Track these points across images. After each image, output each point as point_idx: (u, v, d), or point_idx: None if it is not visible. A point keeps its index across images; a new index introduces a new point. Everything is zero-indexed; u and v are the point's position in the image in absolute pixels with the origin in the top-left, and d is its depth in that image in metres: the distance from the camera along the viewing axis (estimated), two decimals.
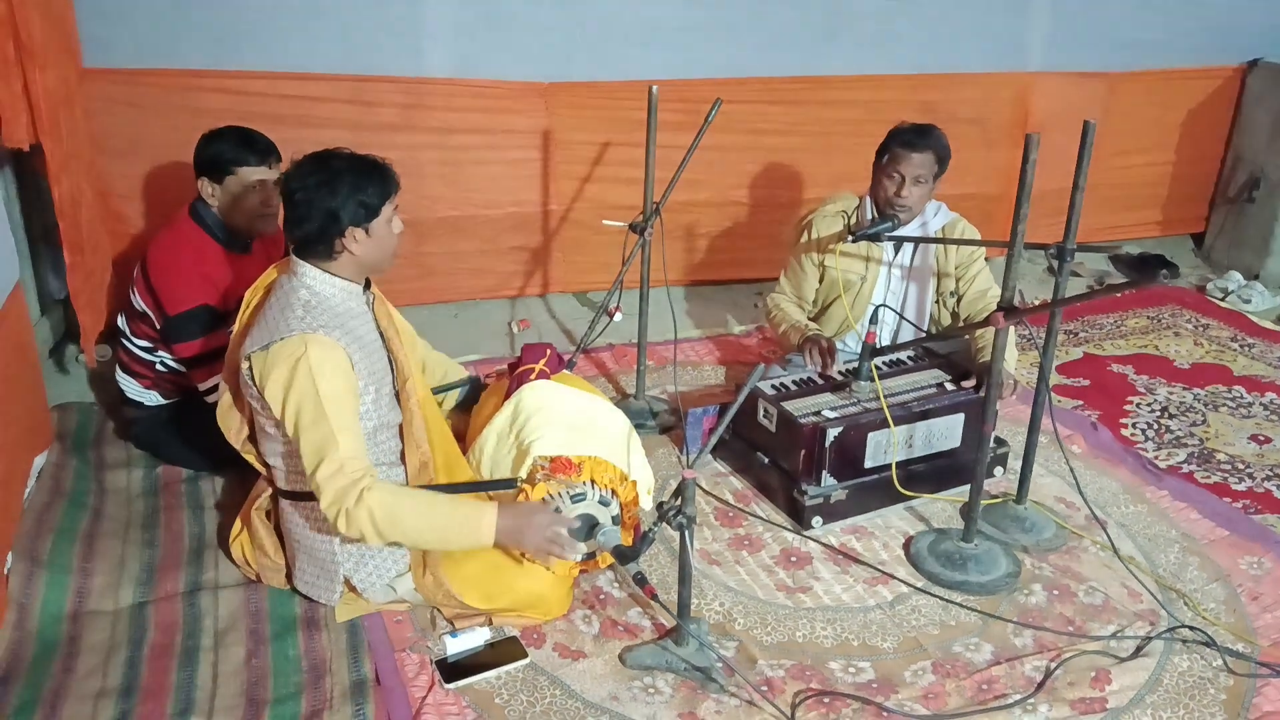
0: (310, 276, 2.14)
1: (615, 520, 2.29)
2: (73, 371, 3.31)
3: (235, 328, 2.26)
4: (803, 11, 3.97)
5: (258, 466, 2.32)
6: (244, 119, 2.78)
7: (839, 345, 3.19)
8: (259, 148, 2.67)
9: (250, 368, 2.10)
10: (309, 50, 3.44)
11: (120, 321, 2.83)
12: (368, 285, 2.25)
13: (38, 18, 2.63)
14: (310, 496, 2.08)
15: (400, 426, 2.29)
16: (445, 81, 3.63)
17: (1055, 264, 2.44)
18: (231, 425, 2.29)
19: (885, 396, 2.74)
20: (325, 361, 2.04)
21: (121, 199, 3.35)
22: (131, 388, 2.82)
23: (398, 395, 2.27)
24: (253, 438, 2.30)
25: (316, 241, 2.11)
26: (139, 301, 2.74)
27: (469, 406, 2.72)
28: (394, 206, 2.16)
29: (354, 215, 2.08)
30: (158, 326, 2.71)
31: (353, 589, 2.27)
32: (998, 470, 2.97)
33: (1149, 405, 3.50)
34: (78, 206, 2.91)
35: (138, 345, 2.77)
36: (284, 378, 2.03)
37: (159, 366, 2.79)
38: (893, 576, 2.54)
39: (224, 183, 2.65)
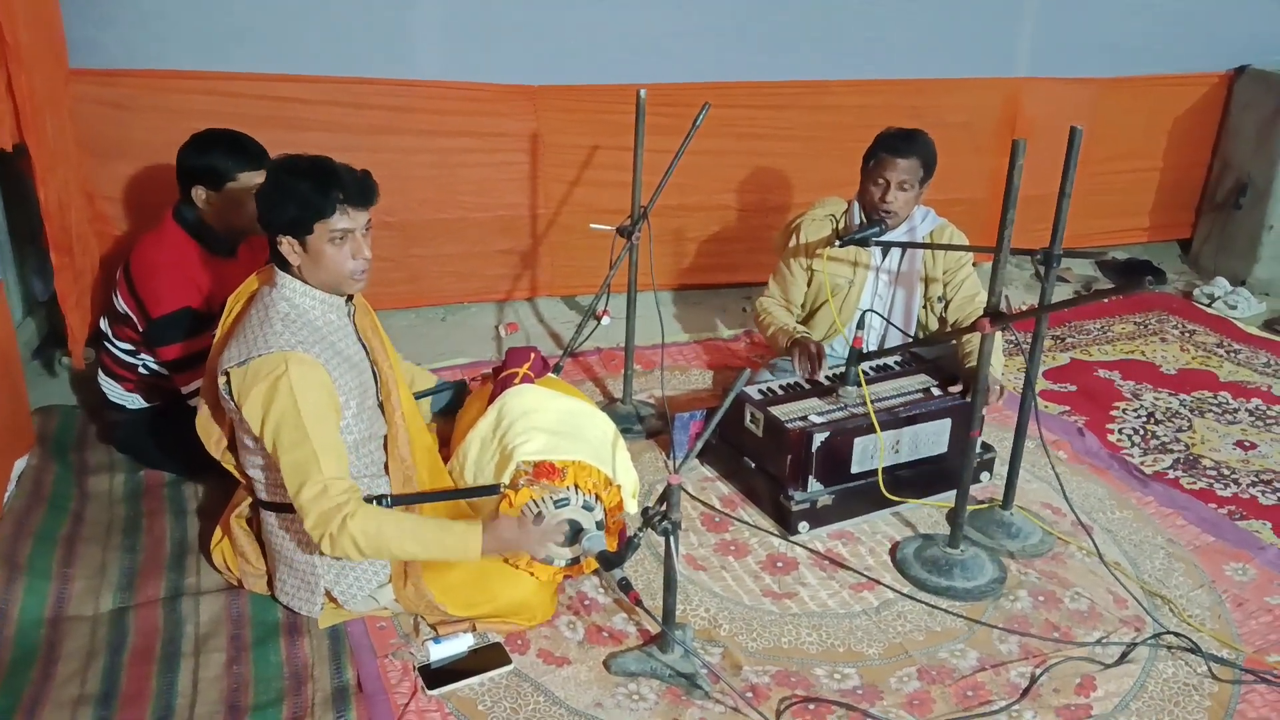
0: (289, 288, 2.11)
1: (599, 525, 2.28)
2: (56, 374, 3.28)
3: (216, 336, 2.24)
4: (791, 16, 3.98)
5: (237, 476, 2.31)
6: (231, 121, 2.77)
7: (826, 350, 3.19)
8: (254, 153, 2.65)
9: (228, 383, 2.07)
10: (296, 52, 3.43)
11: (103, 324, 2.81)
12: (350, 297, 2.22)
13: (22, 18, 2.62)
14: (289, 508, 2.06)
15: (385, 438, 2.27)
16: (433, 84, 3.62)
17: (1042, 269, 2.44)
18: (211, 435, 2.27)
19: (872, 401, 2.73)
20: (306, 380, 2.01)
21: (107, 200, 3.33)
22: (114, 391, 2.80)
23: (381, 407, 2.26)
24: (232, 448, 2.28)
25: (271, 247, 2.10)
26: (122, 304, 2.72)
27: (453, 412, 2.71)
28: (345, 230, 2.05)
29: (281, 224, 2.05)
30: (140, 329, 2.69)
31: (333, 600, 2.26)
32: (984, 476, 2.97)
33: (1135, 411, 3.51)
34: (65, 208, 2.90)
35: (120, 348, 2.76)
36: (263, 396, 2.00)
37: (141, 369, 2.77)
38: (878, 582, 2.53)
39: (223, 189, 2.64)
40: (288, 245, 2.07)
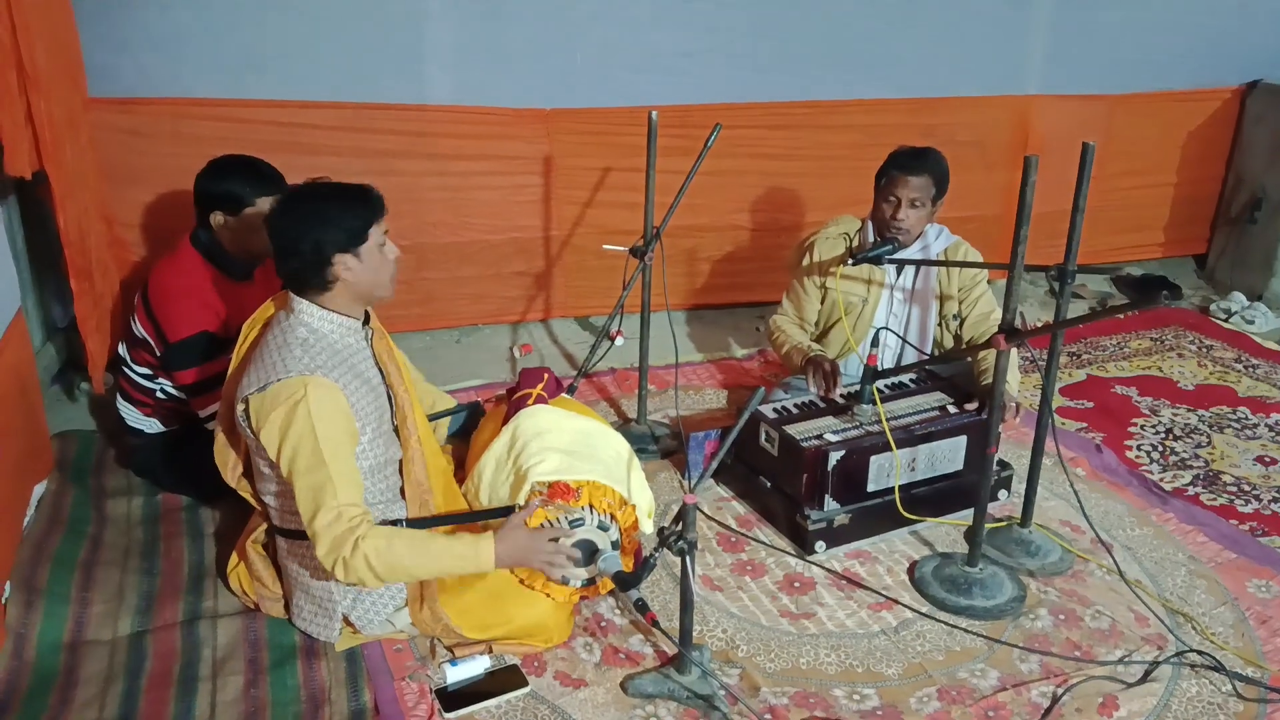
0: (308, 314, 2.12)
1: (615, 545, 2.27)
2: (76, 399, 3.31)
3: (231, 362, 2.25)
4: (802, 36, 4.00)
5: (253, 503, 2.31)
6: (246, 147, 2.80)
7: (841, 368, 3.19)
8: (271, 178, 2.68)
9: (246, 409, 2.07)
10: (311, 78, 3.47)
11: (121, 349, 2.84)
12: (366, 320, 2.24)
13: (41, 47, 2.66)
14: (305, 535, 2.06)
15: (400, 462, 2.28)
16: (447, 108, 3.65)
17: (1057, 286, 2.43)
18: (227, 462, 2.28)
19: (888, 419, 2.72)
20: (324, 404, 2.02)
21: (125, 226, 3.37)
22: (132, 415, 2.82)
23: (397, 431, 2.26)
24: (248, 474, 2.28)
25: (309, 273, 2.08)
26: (139, 329, 2.74)
27: (468, 434, 2.71)
28: (383, 230, 2.13)
29: (339, 241, 2.07)
30: (158, 354, 2.71)
31: (350, 625, 2.26)
32: (1002, 494, 2.95)
33: (1153, 427, 3.48)
34: (84, 234, 2.93)
35: (138, 373, 2.78)
36: (281, 420, 2.01)
37: (159, 394, 2.79)
38: (897, 602, 2.52)
39: (241, 215, 2.66)
40: (341, 265, 2.08)
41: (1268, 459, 3.27)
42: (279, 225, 2.09)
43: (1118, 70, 4.53)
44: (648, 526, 2.43)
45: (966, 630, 2.41)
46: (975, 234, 3.31)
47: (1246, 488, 3.09)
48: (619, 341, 3.14)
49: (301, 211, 2.07)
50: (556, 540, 2.17)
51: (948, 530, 2.80)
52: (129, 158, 3.31)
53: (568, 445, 2.38)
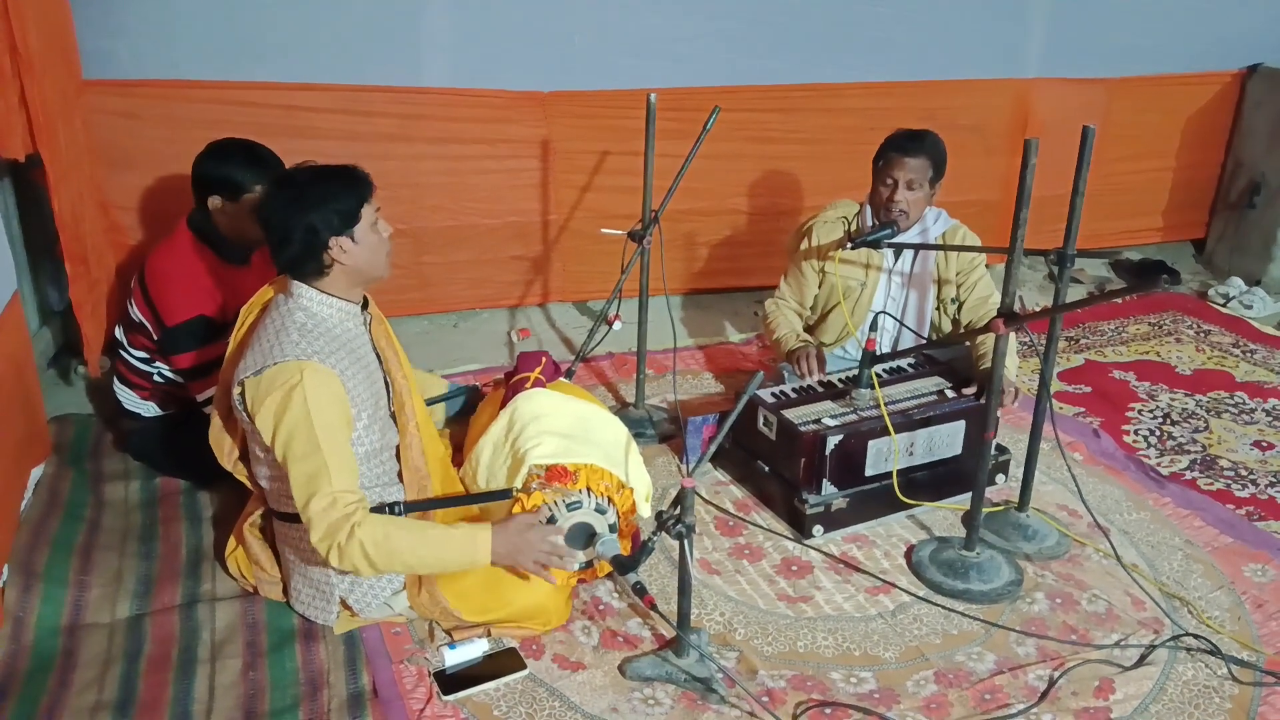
0: (307, 298, 2.11)
1: (612, 528, 2.27)
2: (72, 383, 3.30)
3: (229, 346, 2.24)
4: (801, 19, 3.97)
5: (250, 486, 2.31)
6: (242, 130, 2.78)
7: (839, 352, 3.19)
8: (270, 163, 2.66)
9: (242, 393, 2.06)
10: (307, 61, 3.44)
11: (118, 332, 2.83)
12: (365, 305, 2.23)
13: (35, 30, 2.64)
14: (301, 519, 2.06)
15: (398, 448, 2.27)
16: (443, 91, 3.63)
17: (1056, 270, 2.43)
18: (223, 446, 2.28)
19: (885, 404, 2.72)
20: (320, 390, 2.01)
21: (120, 210, 3.35)
22: (129, 398, 2.82)
23: (394, 417, 2.26)
24: (244, 459, 2.28)
25: (304, 260, 2.07)
26: (136, 313, 2.73)
27: (466, 417, 2.71)
28: (375, 209, 2.12)
29: (332, 225, 2.05)
30: (155, 338, 2.71)
31: (348, 608, 2.26)
32: (999, 478, 2.95)
33: (1151, 412, 3.48)
34: (79, 218, 2.92)
35: (135, 356, 2.77)
36: (277, 405, 2.00)
37: (157, 377, 2.78)
38: (894, 585, 2.52)
39: (239, 200, 2.64)
40: (339, 248, 2.07)
41: (1265, 444, 3.27)
42: (270, 214, 2.07)
43: (1117, 54, 4.51)
44: (645, 510, 2.44)
45: (963, 614, 2.42)
46: (974, 218, 3.31)
47: (1243, 472, 3.10)
48: (617, 326, 3.13)
49: (291, 197, 2.05)
50: (552, 541, 2.17)
51: (945, 514, 2.81)
52: (124, 141, 3.29)
53: (566, 429, 2.38)
